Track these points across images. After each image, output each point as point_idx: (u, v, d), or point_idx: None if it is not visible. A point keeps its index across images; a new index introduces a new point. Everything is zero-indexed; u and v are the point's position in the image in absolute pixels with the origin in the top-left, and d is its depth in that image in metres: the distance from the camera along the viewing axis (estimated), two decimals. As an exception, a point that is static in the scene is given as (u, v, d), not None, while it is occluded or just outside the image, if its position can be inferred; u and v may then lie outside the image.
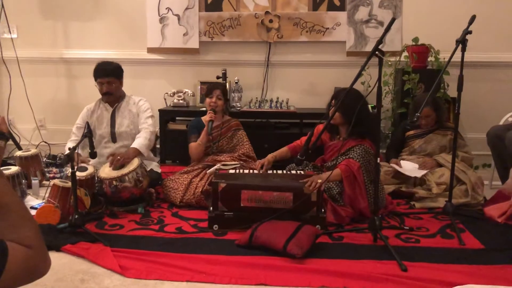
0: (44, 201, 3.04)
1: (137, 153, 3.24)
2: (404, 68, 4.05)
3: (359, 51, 4.45)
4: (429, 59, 4.12)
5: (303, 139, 3.23)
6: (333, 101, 3.09)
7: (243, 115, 4.29)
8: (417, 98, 3.69)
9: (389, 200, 3.16)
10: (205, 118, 3.57)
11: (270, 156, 3.19)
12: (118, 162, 3.10)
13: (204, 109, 4.30)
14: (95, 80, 3.41)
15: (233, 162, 3.32)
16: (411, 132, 3.71)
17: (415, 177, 3.42)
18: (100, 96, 3.50)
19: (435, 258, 2.41)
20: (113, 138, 3.46)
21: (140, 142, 3.30)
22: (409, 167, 3.50)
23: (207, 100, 3.51)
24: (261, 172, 3.06)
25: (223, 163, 3.28)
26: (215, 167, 3.21)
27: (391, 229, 2.78)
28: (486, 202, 3.21)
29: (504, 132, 3.31)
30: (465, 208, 3.15)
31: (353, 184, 2.90)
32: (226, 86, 3.67)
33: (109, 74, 3.38)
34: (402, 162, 3.56)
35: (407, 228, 2.79)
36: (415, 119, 2.66)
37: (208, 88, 3.56)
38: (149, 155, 3.58)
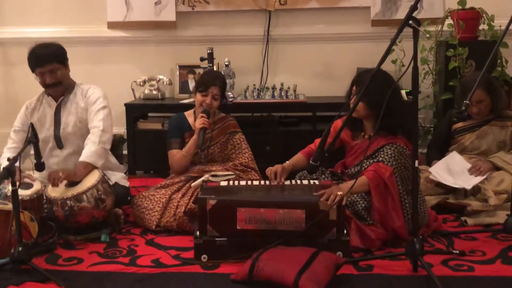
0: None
1: (89, 168, 3.23)
2: (448, 41, 4.07)
3: (388, 20, 4.47)
4: (480, 27, 4.14)
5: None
6: (354, 88, 3.11)
7: (237, 108, 4.31)
8: (466, 79, 3.72)
9: (433, 216, 3.18)
10: (190, 115, 3.57)
11: (286, 164, 3.18)
12: (59, 180, 3.08)
13: (185, 101, 4.34)
14: (33, 71, 3.41)
15: (227, 172, 3.34)
16: (459, 125, 3.73)
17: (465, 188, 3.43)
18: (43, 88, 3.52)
19: (495, 291, 2.43)
20: (58, 142, 3.47)
21: (88, 151, 3.27)
22: (459, 165, 3.50)
23: (199, 96, 3.48)
24: (275, 183, 3.05)
25: (213, 173, 3.30)
26: (202, 178, 3.23)
27: (436, 254, 2.79)
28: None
29: None
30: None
31: (385, 195, 2.92)
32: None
33: (49, 60, 3.36)
34: (449, 157, 3.57)
35: (457, 252, 2.80)
36: (464, 107, 2.67)
37: (203, 81, 3.51)
38: (111, 162, 3.59)
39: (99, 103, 3.43)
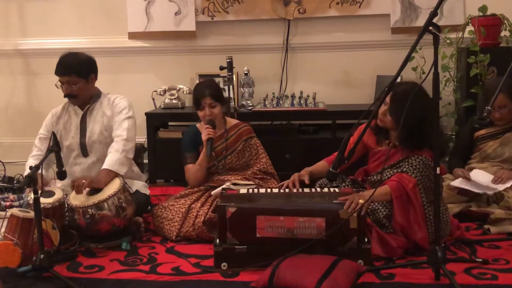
0: (-1, 237, 3.10)
1: (111, 176, 3.26)
2: (469, 47, 4.04)
3: (407, 27, 4.46)
4: (502, 33, 4.11)
5: None
6: (387, 97, 3.05)
7: (257, 116, 4.32)
8: (488, 85, 3.68)
9: (455, 224, 3.15)
10: (202, 127, 3.49)
11: (304, 171, 3.19)
12: (82, 187, 3.11)
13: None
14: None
15: (247, 182, 3.33)
16: (482, 132, 3.69)
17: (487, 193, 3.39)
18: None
19: (520, 299, 2.40)
20: (84, 150, 3.50)
21: (111, 159, 3.29)
22: (483, 179, 3.47)
23: (199, 113, 3.47)
24: (294, 190, 3.06)
25: (233, 181, 3.30)
26: (223, 186, 3.23)
27: (459, 263, 2.76)
28: None
29: None
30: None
31: (407, 207, 2.88)
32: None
33: (68, 72, 3.38)
34: (474, 172, 3.54)
35: (480, 260, 2.77)
36: (486, 113, 2.64)
37: (194, 99, 3.50)
38: (134, 171, 3.62)
39: (125, 113, 3.46)
